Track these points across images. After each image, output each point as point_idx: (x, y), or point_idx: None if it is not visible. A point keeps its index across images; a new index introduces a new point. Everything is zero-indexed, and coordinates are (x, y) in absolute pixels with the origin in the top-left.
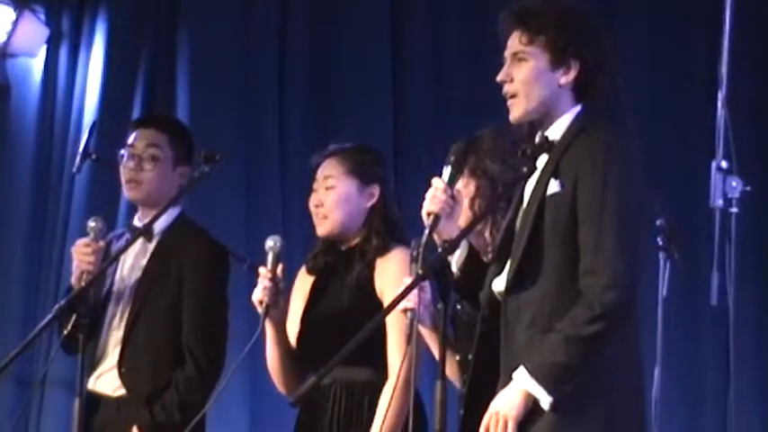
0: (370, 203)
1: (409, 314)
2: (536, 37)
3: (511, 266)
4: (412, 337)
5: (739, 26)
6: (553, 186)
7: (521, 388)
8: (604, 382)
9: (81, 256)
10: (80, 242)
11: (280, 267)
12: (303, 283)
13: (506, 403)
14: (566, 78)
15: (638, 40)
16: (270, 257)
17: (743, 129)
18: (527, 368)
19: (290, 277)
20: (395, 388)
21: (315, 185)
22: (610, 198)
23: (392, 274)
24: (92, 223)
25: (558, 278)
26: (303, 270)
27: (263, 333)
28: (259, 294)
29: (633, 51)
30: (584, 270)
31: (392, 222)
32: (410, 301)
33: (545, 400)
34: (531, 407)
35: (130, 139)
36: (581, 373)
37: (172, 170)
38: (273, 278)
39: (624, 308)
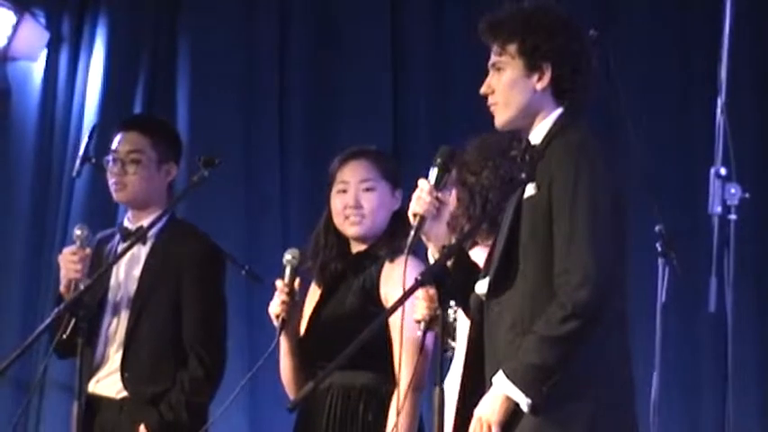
0: (395, 208)
1: (422, 324)
2: (507, 46)
3: (492, 269)
4: (422, 347)
5: (740, 32)
6: (529, 190)
7: (501, 392)
8: (588, 381)
9: (68, 264)
10: (66, 250)
11: (297, 281)
12: (316, 287)
13: (488, 408)
14: (541, 83)
15: (638, 45)
16: (288, 271)
17: (742, 135)
18: (505, 371)
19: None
20: (405, 395)
21: (343, 186)
22: (580, 198)
23: (397, 282)
24: (78, 231)
25: (537, 280)
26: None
27: (278, 346)
28: (276, 309)
29: (633, 56)
30: (558, 270)
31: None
32: (423, 312)
33: (523, 403)
34: (514, 410)
35: (114, 144)
36: (558, 373)
37: (156, 170)
38: (291, 292)
39: (597, 305)
